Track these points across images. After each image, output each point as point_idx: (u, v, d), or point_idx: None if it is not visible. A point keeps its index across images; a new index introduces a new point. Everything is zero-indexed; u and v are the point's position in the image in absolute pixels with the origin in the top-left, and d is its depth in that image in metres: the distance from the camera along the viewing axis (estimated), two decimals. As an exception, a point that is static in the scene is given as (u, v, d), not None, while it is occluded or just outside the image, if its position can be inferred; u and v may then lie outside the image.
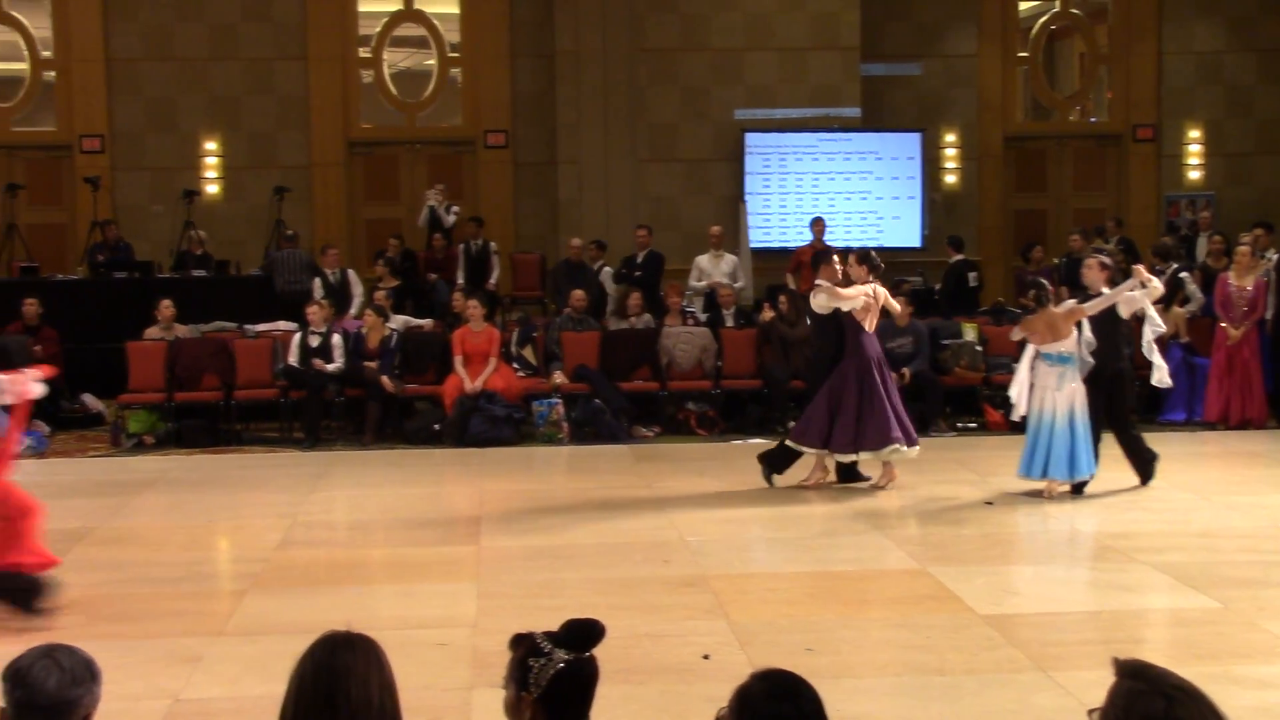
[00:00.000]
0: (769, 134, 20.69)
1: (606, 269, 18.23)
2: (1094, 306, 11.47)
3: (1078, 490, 11.50)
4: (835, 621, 7.99)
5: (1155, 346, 11.98)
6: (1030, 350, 11.60)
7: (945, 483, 12.21)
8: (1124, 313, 11.62)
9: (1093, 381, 11.52)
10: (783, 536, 10.51)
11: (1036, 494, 11.41)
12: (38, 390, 8.68)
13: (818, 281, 12.05)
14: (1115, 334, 11.71)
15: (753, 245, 19.64)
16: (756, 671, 3.14)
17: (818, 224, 18.29)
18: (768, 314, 15.82)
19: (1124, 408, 11.91)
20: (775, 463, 12.05)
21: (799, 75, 20.89)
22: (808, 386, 13.05)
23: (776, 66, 20.91)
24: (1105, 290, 11.55)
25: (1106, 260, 12.21)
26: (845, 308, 11.72)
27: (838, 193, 20.71)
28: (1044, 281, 12.09)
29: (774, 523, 10.97)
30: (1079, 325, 11.51)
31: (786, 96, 20.93)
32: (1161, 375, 12.04)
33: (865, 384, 11.72)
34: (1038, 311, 11.55)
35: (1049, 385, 11.37)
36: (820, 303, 11.89)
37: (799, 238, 19.11)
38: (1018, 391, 11.59)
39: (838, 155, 20.77)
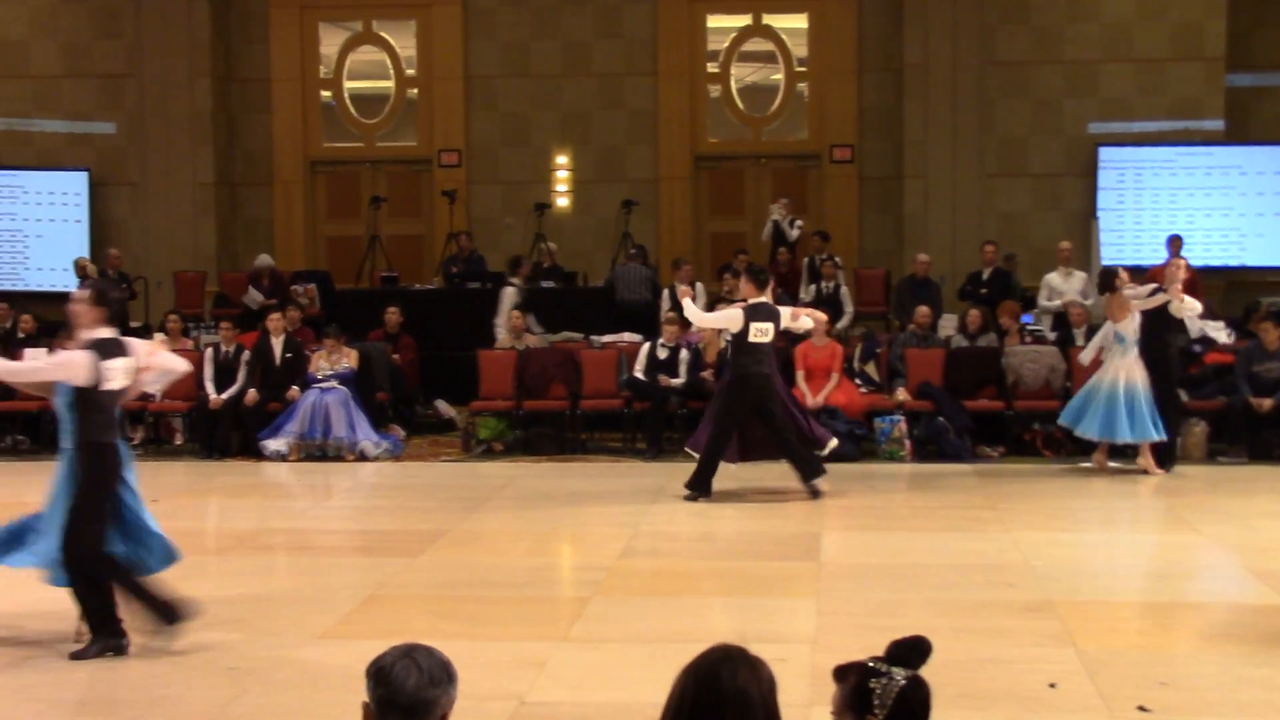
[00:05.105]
0: (1124, 148, 20.07)
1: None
2: None
3: None
4: (1191, 655, 7.66)
5: None
6: None
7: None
8: None
9: None
10: (1133, 564, 10.15)
11: None
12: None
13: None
14: None
15: (1105, 263, 19.02)
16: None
17: (1175, 241, 17.54)
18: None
19: None
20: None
21: (1158, 87, 20.21)
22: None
23: (1134, 78, 20.28)
24: None
25: None
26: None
27: (1196, 209, 19.94)
28: None
29: (1124, 549, 10.62)
30: None
31: (1144, 109, 20.28)
32: None
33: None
34: None
35: None
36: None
37: (1154, 255, 18.42)
38: None
39: (1198, 170, 20.00)
